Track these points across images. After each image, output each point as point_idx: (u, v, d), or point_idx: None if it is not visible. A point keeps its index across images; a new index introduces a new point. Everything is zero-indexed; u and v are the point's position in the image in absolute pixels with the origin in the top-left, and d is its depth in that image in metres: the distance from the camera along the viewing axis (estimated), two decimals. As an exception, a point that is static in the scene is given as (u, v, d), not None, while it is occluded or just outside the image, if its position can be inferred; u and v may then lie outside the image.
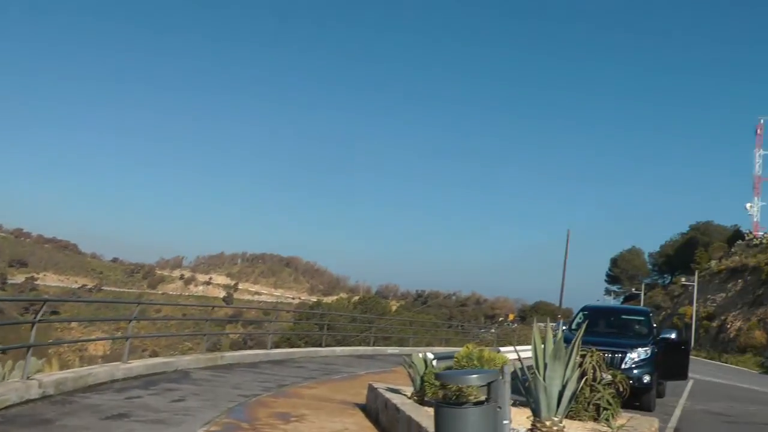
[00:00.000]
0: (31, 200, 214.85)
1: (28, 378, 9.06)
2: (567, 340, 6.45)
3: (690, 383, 19.91)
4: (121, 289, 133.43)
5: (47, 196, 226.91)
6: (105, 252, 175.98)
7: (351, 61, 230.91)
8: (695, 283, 57.19)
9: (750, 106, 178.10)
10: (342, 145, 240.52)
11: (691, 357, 17.18)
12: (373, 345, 25.22)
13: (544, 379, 6.14)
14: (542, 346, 6.28)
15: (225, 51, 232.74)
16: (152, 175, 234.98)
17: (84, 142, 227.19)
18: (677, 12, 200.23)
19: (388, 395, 8.97)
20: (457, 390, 7.29)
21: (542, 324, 8.00)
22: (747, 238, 70.84)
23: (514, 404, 6.03)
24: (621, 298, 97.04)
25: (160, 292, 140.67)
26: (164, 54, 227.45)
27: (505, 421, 4.62)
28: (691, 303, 56.44)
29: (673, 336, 13.96)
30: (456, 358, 9.19)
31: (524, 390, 6.27)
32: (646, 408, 12.32)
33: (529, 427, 6.18)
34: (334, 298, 77.90)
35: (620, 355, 12.56)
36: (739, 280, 53.57)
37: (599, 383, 7.77)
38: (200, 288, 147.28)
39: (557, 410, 6.14)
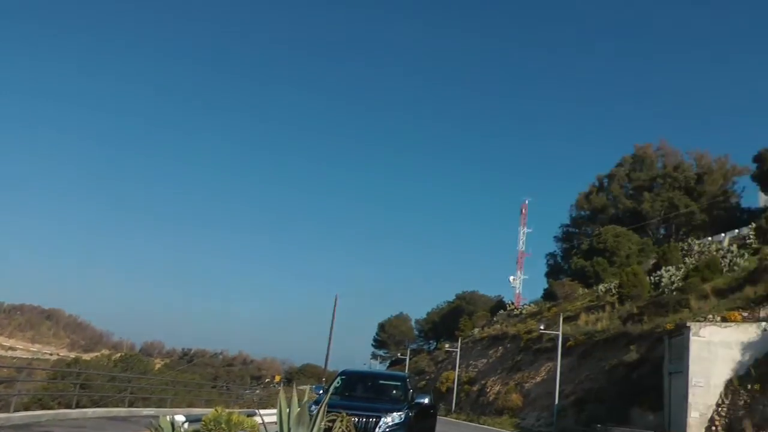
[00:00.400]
0: None
1: None
2: (319, 404, 6.08)
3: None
4: None
5: None
6: None
7: None
8: (458, 349, 60.99)
9: (517, 189, 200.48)
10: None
11: (452, 419, 17.89)
12: (130, 406, 23.50)
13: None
14: (287, 410, 5.89)
15: None
16: None
17: None
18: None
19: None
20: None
21: (305, 387, 7.63)
22: (509, 308, 77.59)
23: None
24: (387, 363, 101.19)
25: None
26: None
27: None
28: (454, 368, 60.03)
29: (426, 401, 14.45)
30: (203, 421, 8.53)
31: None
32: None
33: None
34: (95, 354, 71.30)
35: (374, 419, 12.63)
36: (500, 347, 57.25)
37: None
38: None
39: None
